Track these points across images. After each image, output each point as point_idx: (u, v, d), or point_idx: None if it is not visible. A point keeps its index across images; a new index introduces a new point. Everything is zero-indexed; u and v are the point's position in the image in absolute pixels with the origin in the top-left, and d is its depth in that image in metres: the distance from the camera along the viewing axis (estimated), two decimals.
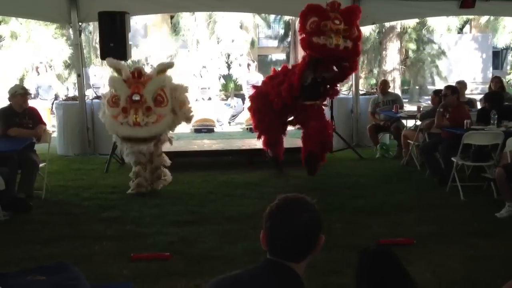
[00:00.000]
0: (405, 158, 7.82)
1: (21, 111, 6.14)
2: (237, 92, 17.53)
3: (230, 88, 21.52)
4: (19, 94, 6.18)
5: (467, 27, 28.03)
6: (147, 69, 12.03)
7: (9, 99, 6.19)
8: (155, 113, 5.94)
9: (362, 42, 6.53)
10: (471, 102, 8.52)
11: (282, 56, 26.90)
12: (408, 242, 4.47)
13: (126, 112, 5.87)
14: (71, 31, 9.55)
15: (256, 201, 5.78)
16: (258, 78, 12.53)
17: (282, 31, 24.93)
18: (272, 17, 23.19)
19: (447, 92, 6.65)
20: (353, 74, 9.88)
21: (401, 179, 6.95)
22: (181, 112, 6.19)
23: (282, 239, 1.79)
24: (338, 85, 7.05)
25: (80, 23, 8.73)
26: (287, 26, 21.80)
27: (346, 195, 6.15)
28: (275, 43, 26.43)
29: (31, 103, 6.51)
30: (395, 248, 4.12)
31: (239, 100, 13.48)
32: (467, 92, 9.51)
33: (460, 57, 25.65)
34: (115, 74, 6.22)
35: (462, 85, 8.37)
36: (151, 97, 5.96)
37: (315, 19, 6.03)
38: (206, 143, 9.23)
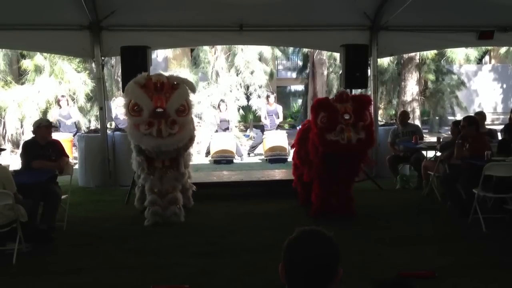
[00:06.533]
0: (426, 189, 7.76)
1: (44, 143, 6.27)
2: (256, 123, 17.62)
3: (249, 119, 21.67)
4: (44, 126, 6.34)
5: (487, 57, 27.99)
6: None
7: (34, 131, 6.34)
8: (178, 123, 5.88)
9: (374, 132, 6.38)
10: (492, 133, 8.44)
11: (300, 87, 27.12)
12: (429, 275, 4.39)
13: (150, 124, 5.78)
14: (93, 65, 9.76)
15: (276, 232, 5.72)
16: (278, 110, 12.69)
17: (300, 63, 25.19)
18: (291, 49, 23.43)
19: (464, 123, 6.66)
20: (372, 105, 9.93)
21: (421, 211, 6.88)
22: None
23: (301, 272, 1.79)
24: None
25: (102, 58, 8.94)
26: (306, 58, 22.00)
27: (366, 227, 6.11)
28: (293, 74, 26.68)
29: (53, 135, 6.64)
30: (416, 281, 4.06)
31: (258, 131, 13.54)
32: (488, 122, 9.45)
33: (480, 88, 25.58)
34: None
35: (480, 116, 8.31)
36: (174, 109, 5.88)
37: (325, 114, 6.04)
38: (225, 174, 9.28)
